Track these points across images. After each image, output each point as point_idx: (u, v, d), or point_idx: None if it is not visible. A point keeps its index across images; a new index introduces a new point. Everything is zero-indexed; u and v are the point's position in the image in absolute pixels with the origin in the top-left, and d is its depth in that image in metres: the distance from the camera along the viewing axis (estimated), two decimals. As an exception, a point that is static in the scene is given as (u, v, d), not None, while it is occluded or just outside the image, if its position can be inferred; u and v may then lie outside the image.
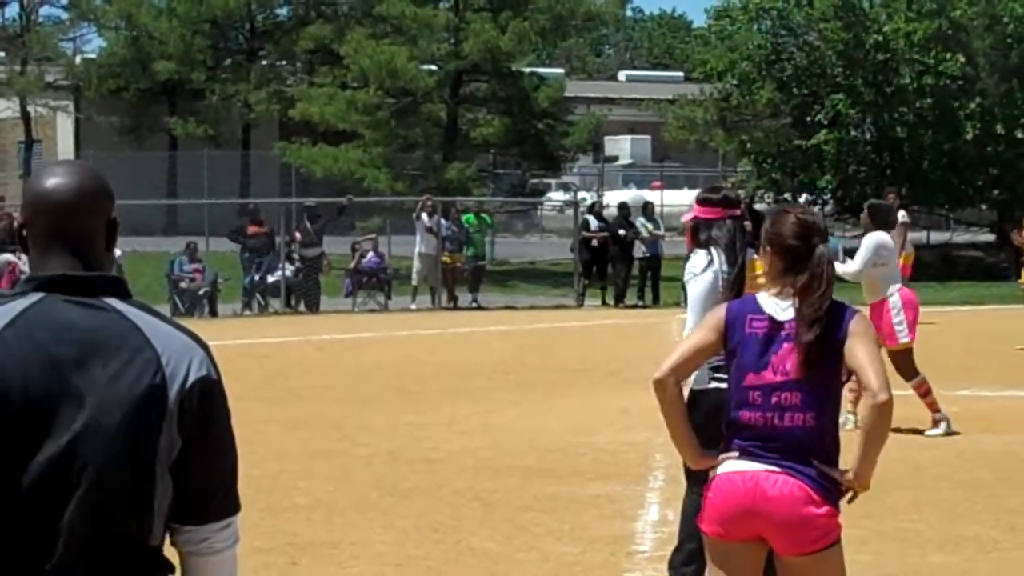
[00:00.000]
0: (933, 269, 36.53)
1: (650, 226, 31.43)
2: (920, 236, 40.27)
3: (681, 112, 44.90)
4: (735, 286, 7.32)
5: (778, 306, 5.37)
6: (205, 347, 3.22)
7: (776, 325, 5.33)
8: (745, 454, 5.30)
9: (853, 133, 40.62)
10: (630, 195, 40.80)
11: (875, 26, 39.32)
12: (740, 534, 5.32)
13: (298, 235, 29.97)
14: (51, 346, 3.08)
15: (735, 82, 40.93)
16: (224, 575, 3.27)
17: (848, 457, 5.36)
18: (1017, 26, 39.47)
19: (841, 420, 5.66)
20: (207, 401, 3.17)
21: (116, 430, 3.06)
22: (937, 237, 45.34)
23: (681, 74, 63.94)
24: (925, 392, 13.65)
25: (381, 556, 9.19)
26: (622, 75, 73.95)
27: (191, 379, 3.14)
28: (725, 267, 7.41)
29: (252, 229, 29.81)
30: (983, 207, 43.35)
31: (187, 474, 3.15)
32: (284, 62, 50.38)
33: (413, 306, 29.86)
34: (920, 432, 13.51)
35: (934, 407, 13.70)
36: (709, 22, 44.79)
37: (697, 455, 5.54)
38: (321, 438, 13.67)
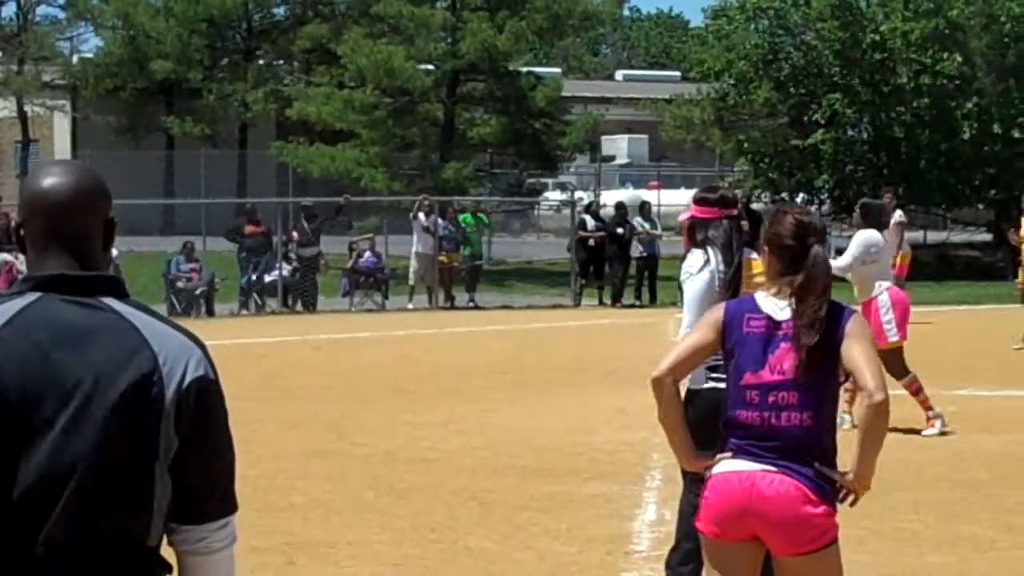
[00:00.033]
0: (930, 269, 36.55)
1: (647, 226, 31.43)
2: (917, 236, 40.31)
3: (678, 112, 44.90)
4: (731, 286, 7.32)
5: (776, 306, 5.37)
6: (202, 347, 3.22)
7: (774, 324, 5.33)
8: (742, 453, 5.31)
9: (850, 133, 40.63)
10: (627, 195, 40.80)
11: (872, 25, 39.32)
12: (737, 534, 5.32)
13: (295, 235, 29.97)
14: (48, 345, 3.08)
15: (732, 82, 40.93)
16: (221, 575, 3.27)
17: (846, 457, 5.37)
18: (1014, 25, 39.48)
19: (837, 420, 5.66)
20: (204, 401, 3.17)
21: (113, 430, 3.06)
22: (934, 237, 45.37)
23: (678, 74, 63.93)
24: (916, 390, 13.65)
25: (378, 556, 9.19)
26: (619, 75, 73.94)
27: (188, 379, 3.14)
28: (722, 267, 7.41)
29: (249, 229, 29.80)
30: (980, 207, 43.38)
31: (184, 474, 3.15)
32: (281, 61, 50.35)
33: (410, 306, 29.86)
34: (917, 432, 13.51)
35: (926, 405, 13.70)
36: (706, 22, 44.80)
37: (691, 456, 5.54)
38: (318, 438, 13.67)
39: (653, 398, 5.51)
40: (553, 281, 34.54)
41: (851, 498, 5.34)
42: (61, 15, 53.72)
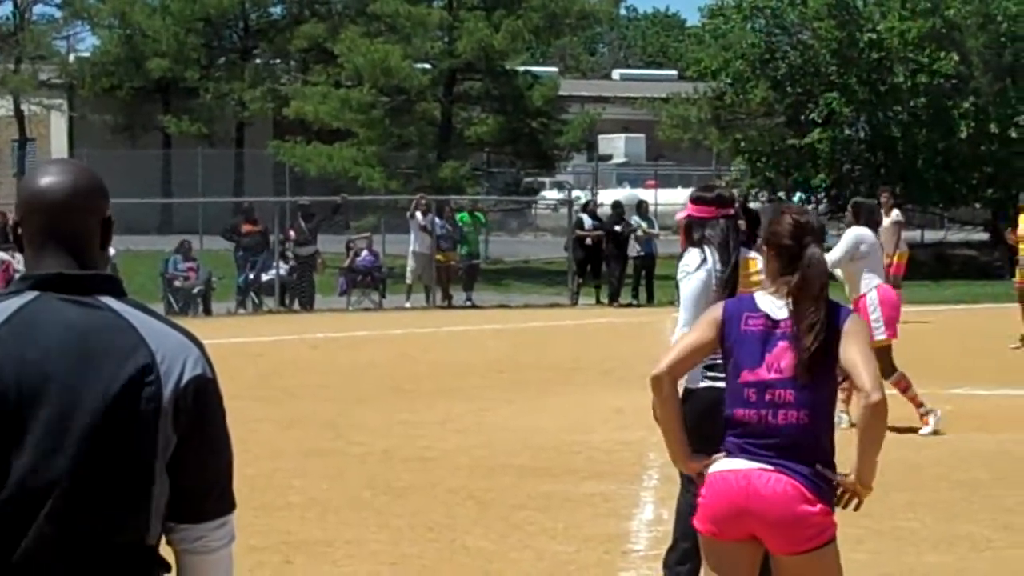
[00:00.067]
0: (927, 268, 36.56)
1: (644, 225, 31.42)
2: (914, 235, 40.32)
3: (675, 111, 44.90)
4: (728, 285, 7.32)
5: (774, 304, 5.39)
6: (200, 346, 3.22)
7: (772, 323, 5.34)
8: (740, 451, 5.31)
9: (847, 132, 40.63)
10: (624, 194, 40.80)
11: (869, 25, 39.33)
12: (734, 533, 5.33)
13: (292, 233, 29.94)
14: (46, 345, 3.08)
15: (729, 81, 40.93)
16: (220, 574, 3.27)
17: (844, 456, 5.37)
18: (1011, 25, 39.48)
19: (835, 420, 5.66)
20: (202, 400, 3.17)
21: (111, 429, 3.06)
22: (931, 236, 45.38)
23: (675, 73, 63.95)
24: (904, 388, 13.64)
25: (375, 555, 9.19)
26: (616, 74, 73.94)
27: (186, 378, 3.14)
28: (718, 266, 7.41)
29: (246, 228, 29.79)
30: (977, 206, 43.38)
31: (182, 472, 3.15)
32: (278, 60, 50.33)
33: (407, 305, 29.84)
34: (915, 431, 13.51)
35: (916, 402, 13.70)
36: (703, 20, 44.84)
37: (685, 456, 5.54)
38: (315, 437, 13.67)
39: (650, 397, 5.51)
40: (550, 280, 34.53)
41: (854, 502, 5.34)
42: (58, 14, 53.76)
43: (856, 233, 13.75)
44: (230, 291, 29.57)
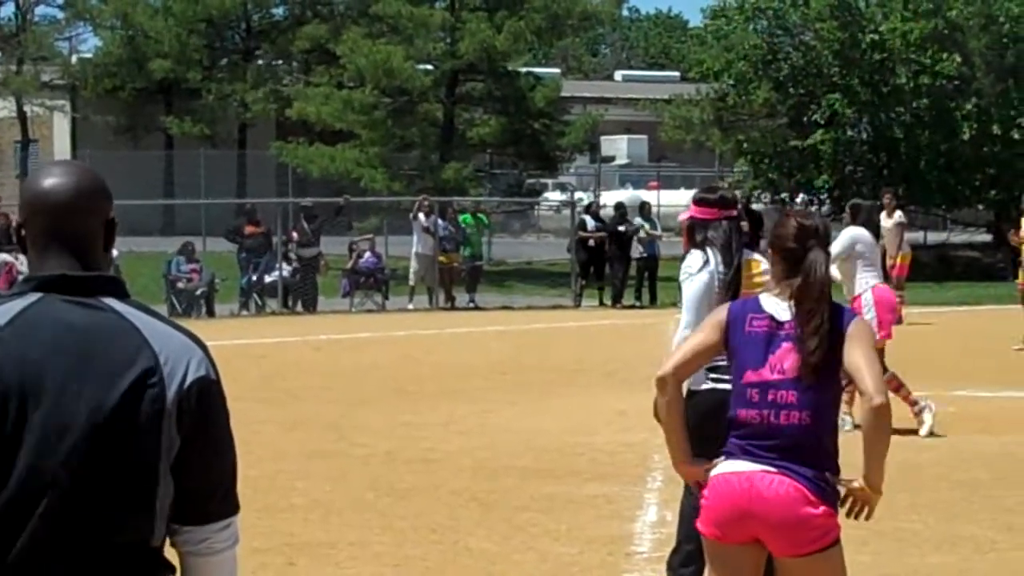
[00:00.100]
0: (930, 269, 36.55)
1: (647, 226, 31.42)
2: (917, 236, 40.30)
3: (677, 112, 44.88)
4: (731, 287, 7.31)
5: (779, 306, 5.39)
6: (204, 347, 3.22)
7: (776, 324, 5.35)
8: (742, 453, 5.31)
9: (850, 133, 40.62)
10: (627, 195, 40.79)
11: (871, 26, 39.32)
12: (737, 536, 5.32)
13: (295, 235, 29.96)
14: (49, 346, 3.08)
15: (731, 82, 40.92)
16: (224, 575, 3.27)
17: (847, 459, 5.37)
18: (1013, 26, 39.47)
19: (839, 422, 5.65)
20: (206, 401, 3.16)
21: (115, 431, 3.06)
22: (934, 237, 45.37)
23: (677, 74, 63.93)
24: (896, 387, 13.62)
25: (379, 556, 9.19)
26: (618, 75, 73.92)
27: (189, 379, 3.14)
28: (721, 268, 7.40)
29: (249, 229, 29.79)
30: (980, 207, 43.36)
31: (186, 474, 3.15)
32: (280, 61, 50.32)
33: (410, 306, 29.85)
34: (917, 432, 13.50)
35: (910, 400, 13.68)
36: (705, 22, 44.80)
37: (685, 460, 5.53)
38: (318, 438, 13.66)
39: (653, 399, 5.51)
40: (553, 282, 34.53)
41: (866, 511, 5.34)
42: (60, 15, 53.73)
43: (852, 233, 13.80)
44: (233, 293, 29.58)
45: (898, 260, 25.17)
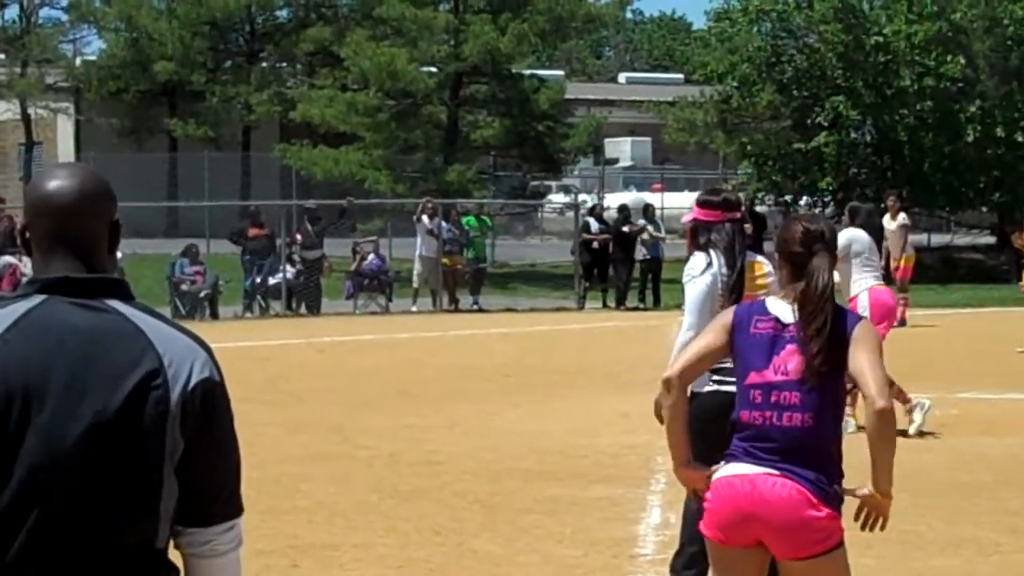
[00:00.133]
0: (934, 271, 36.55)
1: (651, 228, 31.42)
2: (921, 238, 40.28)
3: (681, 114, 44.89)
4: (734, 289, 7.31)
5: (784, 309, 5.40)
6: (208, 349, 3.22)
7: (781, 326, 5.35)
8: (745, 455, 5.31)
9: (853, 135, 40.61)
10: (630, 197, 40.81)
11: (875, 28, 39.32)
12: (740, 539, 5.32)
13: (299, 237, 29.96)
14: (53, 348, 3.09)
15: (735, 84, 40.92)
16: (228, 578, 3.27)
17: (850, 461, 5.37)
18: (1017, 28, 39.46)
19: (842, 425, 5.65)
20: (209, 403, 3.17)
21: (119, 432, 3.06)
22: (938, 239, 45.35)
23: (681, 76, 63.92)
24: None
25: (382, 558, 9.19)
26: (622, 77, 73.92)
27: (193, 381, 3.14)
28: (724, 270, 7.40)
29: (253, 231, 29.81)
30: (984, 209, 43.35)
31: (190, 476, 3.15)
32: (284, 64, 50.35)
33: (414, 308, 29.85)
34: (921, 435, 13.50)
35: (903, 398, 13.67)
36: (709, 24, 44.80)
37: (685, 463, 5.52)
38: (322, 440, 13.66)
39: (654, 399, 5.52)
40: (557, 284, 34.54)
41: (881, 522, 5.34)
42: (64, 17, 53.76)
43: (848, 234, 13.87)
44: (237, 295, 29.59)
45: (902, 262, 25.18)
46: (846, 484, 5.33)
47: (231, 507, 3.24)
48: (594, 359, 20.70)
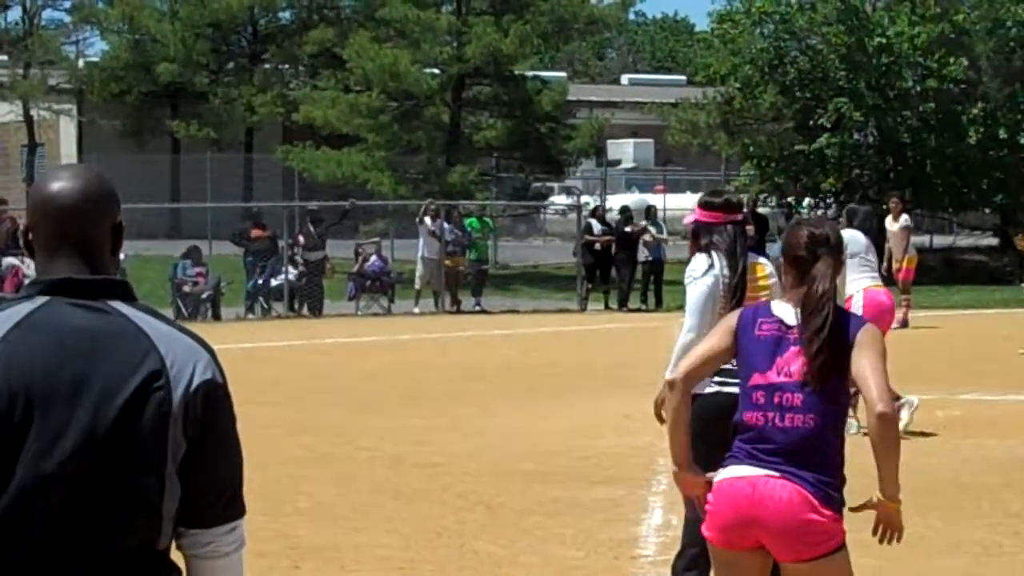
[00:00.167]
0: (936, 273, 36.53)
1: (653, 230, 31.42)
2: (923, 240, 40.26)
3: (684, 116, 44.89)
4: (736, 291, 7.31)
5: (789, 311, 5.40)
6: (210, 350, 3.22)
7: (785, 328, 5.36)
8: (747, 457, 5.31)
9: (856, 137, 40.56)
10: (633, 199, 40.82)
11: (878, 30, 39.28)
12: (742, 542, 5.32)
13: (301, 239, 29.96)
14: (56, 349, 3.09)
15: (738, 86, 40.90)
16: (230, 579, 3.27)
17: (852, 463, 5.37)
18: (1020, 30, 39.43)
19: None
20: (212, 404, 3.17)
21: (121, 433, 3.07)
22: (940, 241, 45.33)
23: (684, 78, 63.95)
24: None
25: (384, 560, 9.19)
26: (625, 79, 73.94)
27: (196, 382, 3.14)
28: (726, 271, 7.40)
29: (255, 233, 29.82)
30: (986, 211, 43.32)
31: (192, 477, 3.16)
32: (287, 65, 50.39)
33: (416, 310, 29.85)
34: (923, 435, 13.50)
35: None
36: (712, 26, 44.76)
37: (684, 466, 5.51)
38: (324, 442, 13.67)
39: (654, 398, 5.52)
40: (559, 285, 34.53)
41: (896, 535, 5.37)
42: (67, 19, 53.93)
43: (846, 235, 13.90)
44: (239, 296, 29.58)
45: (904, 264, 25.16)
46: (848, 487, 5.34)
47: (233, 508, 3.24)
48: (596, 360, 20.70)
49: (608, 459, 12.74)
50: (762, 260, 7.65)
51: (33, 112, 50.27)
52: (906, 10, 39.05)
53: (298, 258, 29.62)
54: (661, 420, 6.61)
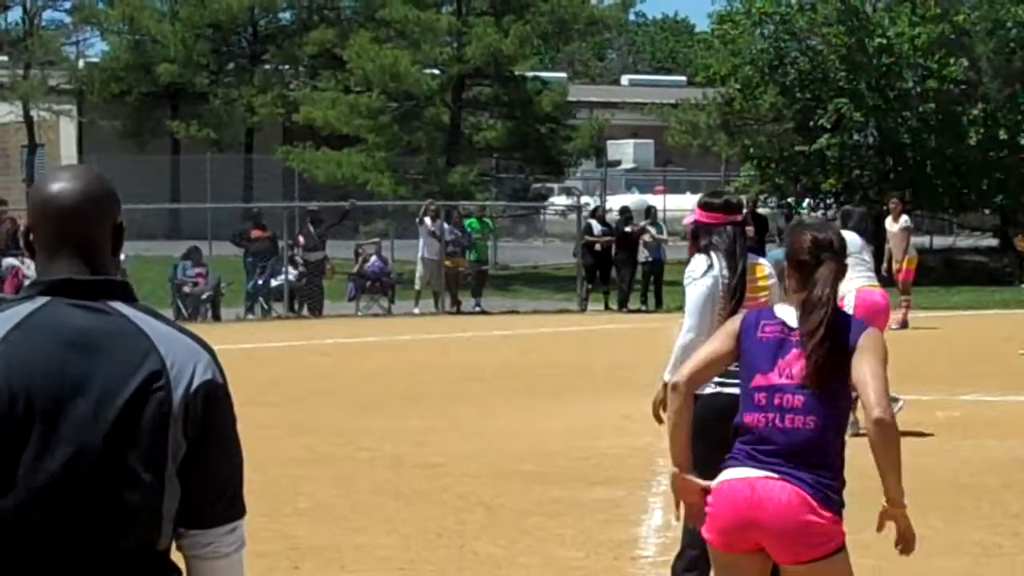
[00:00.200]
0: (936, 273, 36.53)
1: (653, 230, 31.42)
2: (923, 240, 40.27)
3: (684, 116, 44.88)
4: (735, 292, 7.31)
5: (792, 314, 5.41)
6: (210, 351, 3.22)
7: (788, 330, 5.37)
8: (747, 458, 5.31)
9: (856, 137, 40.55)
10: (633, 199, 40.82)
11: (878, 30, 39.28)
12: (741, 544, 5.32)
13: (301, 239, 29.96)
14: (56, 350, 3.09)
15: (738, 86, 40.90)
16: (230, 580, 3.27)
17: (853, 464, 5.37)
18: (1020, 31, 39.43)
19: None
20: (212, 405, 3.17)
21: (121, 434, 3.07)
22: (940, 242, 45.34)
23: (684, 78, 63.95)
24: None
25: (384, 561, 9.19)
26: (625, 79, 73.94)
27: (196, 383, 3.15)
28: (725, 272, 7.40)
29: (255, 233, 29.82)
30: (986, 212, 43.33)
31: (192, 478, 3.16)
32: (287, 66, 50.39)
33: (416, 310, 29.85)
34: (923, 436, 13.50)
35: None
36: (712, 26, 44.77)
37: (683, 468, 5.50)
38: (324, 442, 13.67)
39: (652, 398, 5.52)
40: (559, 286, 34.53)
41: (907, 546, 5.39)
42: (67, 20, 53.94)
43: None
44: (239, 297, 29.58)
45: (904, 264, 25.17)
46: (847, 490, 5.34)
47: (233, 509, 3.25)
48: (596, 361, 20.70)
49: (608, 460, 12.74)
50: (762, 261, 7.64)
51: (33, 113, 50.28)
52: (906, 11, 39.05)
53: (298, 259, 29.62)
54: (659, 421, 6.61)
